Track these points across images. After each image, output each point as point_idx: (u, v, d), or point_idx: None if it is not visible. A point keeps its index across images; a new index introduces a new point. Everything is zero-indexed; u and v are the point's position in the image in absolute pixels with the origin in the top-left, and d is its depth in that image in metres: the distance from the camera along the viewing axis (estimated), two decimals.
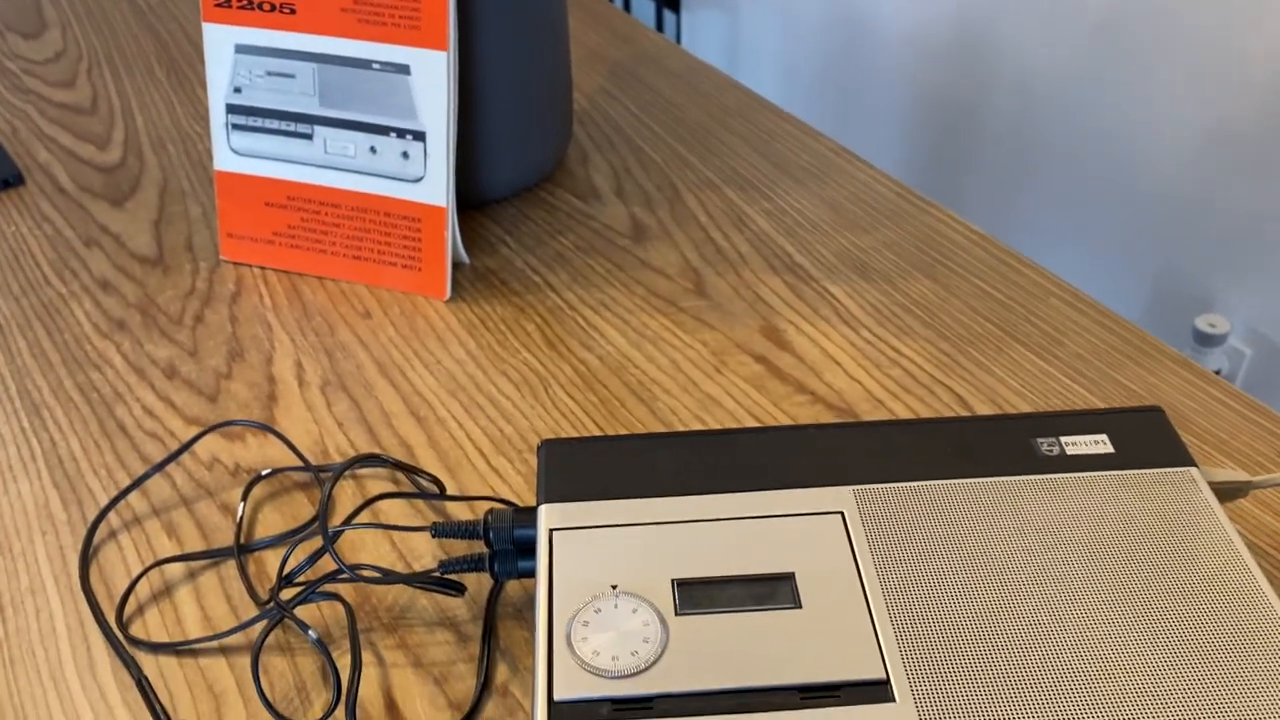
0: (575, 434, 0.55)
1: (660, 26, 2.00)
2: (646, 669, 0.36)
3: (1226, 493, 0.45)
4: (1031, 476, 0.42)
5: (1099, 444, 0.43)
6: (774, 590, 0.38)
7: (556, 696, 0.35)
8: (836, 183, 0.73)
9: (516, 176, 0.70)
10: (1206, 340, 1.34)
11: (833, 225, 0.69)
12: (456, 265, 0.65)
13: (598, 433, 0.55)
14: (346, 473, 0.52)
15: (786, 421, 0.55)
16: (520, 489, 0.52)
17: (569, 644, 0.37)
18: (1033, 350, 0.59)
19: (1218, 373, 1.37)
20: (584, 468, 0.43)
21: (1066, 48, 1.43)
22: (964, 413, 0.55)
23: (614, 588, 0.38)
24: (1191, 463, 0.43)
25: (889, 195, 0.72)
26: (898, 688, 0.35)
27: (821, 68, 1.83)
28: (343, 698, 0.42)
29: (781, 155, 0.76)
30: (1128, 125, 1.40)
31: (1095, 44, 1.40)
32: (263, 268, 0.66)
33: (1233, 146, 1.30)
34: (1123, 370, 0.58)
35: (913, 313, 0.62)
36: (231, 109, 0.63)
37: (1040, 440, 0.44)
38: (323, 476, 0.52)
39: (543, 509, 0.42)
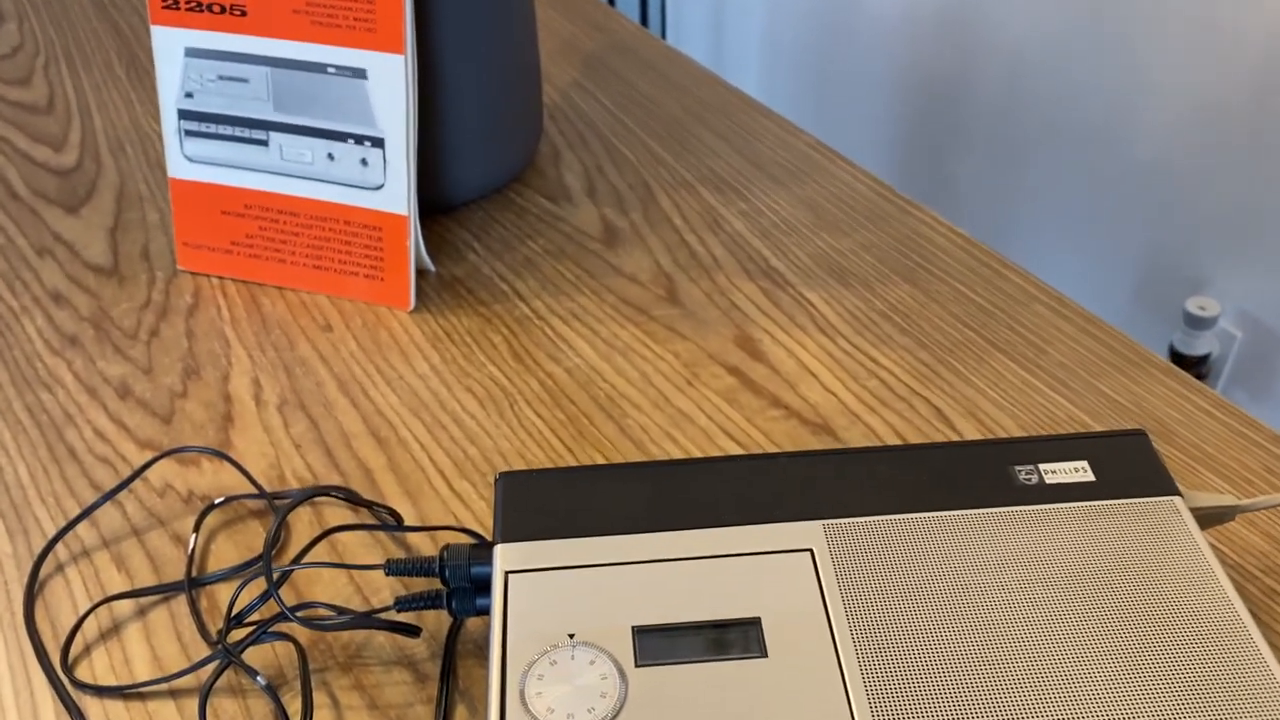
0: (541, 453, 0.53)
1: (645, 4, 1.97)
2: None
3: (1213, 517, 0.44)
4: (1009, 509, 0.40)
5: (1079, 472, 0.42)
6: (739, 638, 0.36)
7: None
8: (816, 182, 0.71)
9: (484, 178, 0.68)
10: (1197, 323, 1.33)
11: (810, 227, 0.67)
12: (421, 273, 0.63)
13: (564, 452, 0.53)
14: (303, 502, 0.50)
15: (760, 438, 0.53)
16: (483, 515, 0.50)
17: (522, 700, 0.35)
18: (1015, 360, 0.57)
19: (1207, 356, 1.35)
20: (543, 503, 0.41)
21: (1055, 25, 1.40)
22: (943, 426, 0.53)
23: (571, 636, 0.37)
24: (1175, 491, 0.41)
25: (869, 195, 0.70)
26: None
27: (808, 46, 1.80)
28: None
29: (759, 153, 0.74)
30: (1118, 104, 1.38)
31: (1085, 21, 1.37)
32: (221, 278, 0.64)
33: (1225, 125, 1.28)
34: (1107, 380, 0.56)
35: (891, 320, 0.60)
36: (184, 114, 0.61)
37: (1019, 468, 0.42)
38: (277, 504, 0.50)
39: (498, 550, 0.40)
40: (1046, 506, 0.40)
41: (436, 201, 0.67)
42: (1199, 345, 1.34)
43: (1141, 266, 1.43)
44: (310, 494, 0.46)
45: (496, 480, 0.43)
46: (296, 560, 0.46)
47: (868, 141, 1.74)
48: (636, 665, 0.36)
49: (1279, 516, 0.49)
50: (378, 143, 0.58)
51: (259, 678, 0.41)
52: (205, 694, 0.41)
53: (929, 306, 0.61)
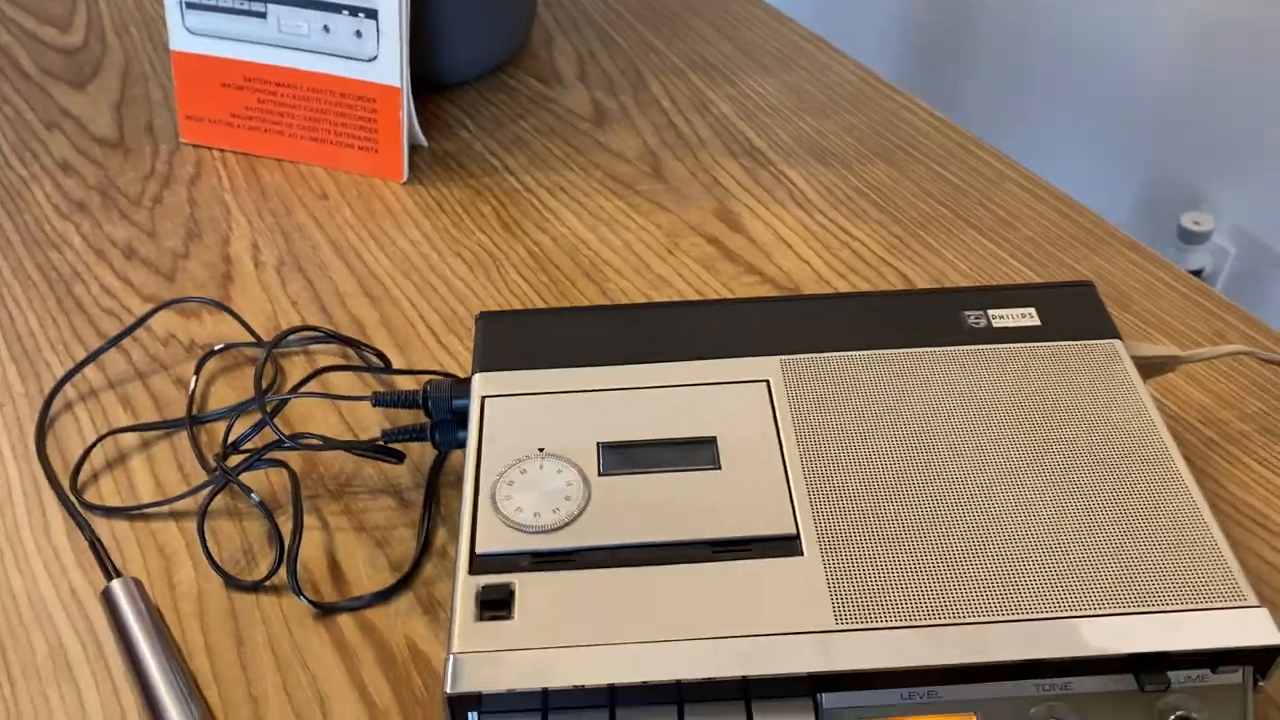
0: None
1: None
2: (567, 525, 0.37)
3: (1154, 366, 0.46)
4: (955, 348, 0.43)
5: (1026, 317, 0.44)
6: (695, 452, 0.39)
7: (479, 550, 0.37)
8: (802, 68, 0.73)
9: (477, 59, 0.70)
10: (1190, 238, 1.34)
11: (794, 110, 0.69)
12: (414, 148, 0.65)
13: None
14: (299, 348, 0.53)
15: None
16: (467, 364, 0.53)
17: (493, 502, 0.38)
18: (984, 234, 0.59)
19: (1200, 271, 1.37)
20: (519, 339, 0.44)
21: None
22: None
23: (540, 450, 0.40)
24: (1115, 335, 0.44)
25: (854, 81, 0.71)
26: (806, 543, 0.36)
27: None
28: (285, 558, 0.43)
29: (749, 41, 0.76)
30: (1120, 16, 1.38)
31: None
32: (222, 150, 0.66)
33: (1226, 38, 1.28)
34: (1072, 253, 0.58)
35: (867, 196, 0.62)
36: None
37: (968, 313, 0.44)
38: (267, 345, 0.53)
39: (476, 377, 0.43)
40: (992, 346, 0.43)
41: (430, 80, 0.69)
42: (1192, 260, 1.36)
43: (1137, 181, 1.44)
44: (298, 330, 0.48)
45: (477, 319, 0.45)
46: (290, 393, 0.49)
47: (870, 46, 1.74)
48: (600, 474, 0.39)
49: (1224, 374, 0.51)
50: (371, 14, 0.60)
51: (253, 494, 0.44)
52: (203, 511, 0.45)
53: (904, 184, 0.63)
